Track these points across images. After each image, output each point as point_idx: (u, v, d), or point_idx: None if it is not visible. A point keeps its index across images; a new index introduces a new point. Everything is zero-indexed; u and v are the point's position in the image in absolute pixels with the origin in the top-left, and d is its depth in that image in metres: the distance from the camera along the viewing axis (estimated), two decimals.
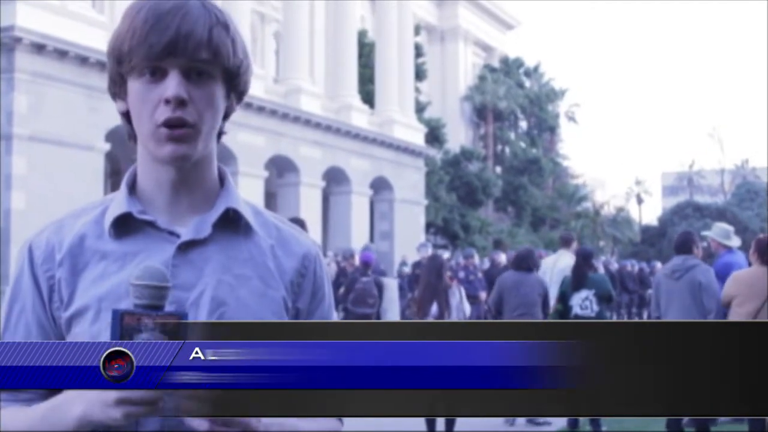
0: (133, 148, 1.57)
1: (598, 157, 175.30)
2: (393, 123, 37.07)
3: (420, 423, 9.18)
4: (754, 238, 8.28)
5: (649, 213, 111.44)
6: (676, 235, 8.86)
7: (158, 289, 1.38)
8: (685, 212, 56.51)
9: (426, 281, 9.07)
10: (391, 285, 12.65)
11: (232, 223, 1.60)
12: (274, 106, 29.59)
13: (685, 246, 8.50)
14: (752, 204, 58.04)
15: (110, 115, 23.57)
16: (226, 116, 1.62)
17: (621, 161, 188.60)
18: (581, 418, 9.87)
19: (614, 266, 26.33)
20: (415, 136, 39.01)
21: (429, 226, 41.89)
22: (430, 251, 19.52)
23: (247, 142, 27.45)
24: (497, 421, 9.85)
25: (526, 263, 10.16)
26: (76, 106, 22.81)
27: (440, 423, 9.12)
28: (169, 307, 1.40)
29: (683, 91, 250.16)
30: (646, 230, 59.96)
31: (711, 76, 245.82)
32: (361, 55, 37.79)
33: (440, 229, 44.10)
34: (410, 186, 38.30)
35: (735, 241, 10.10)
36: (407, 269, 25.62)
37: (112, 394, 1.31)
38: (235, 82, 1.58)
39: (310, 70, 34.47)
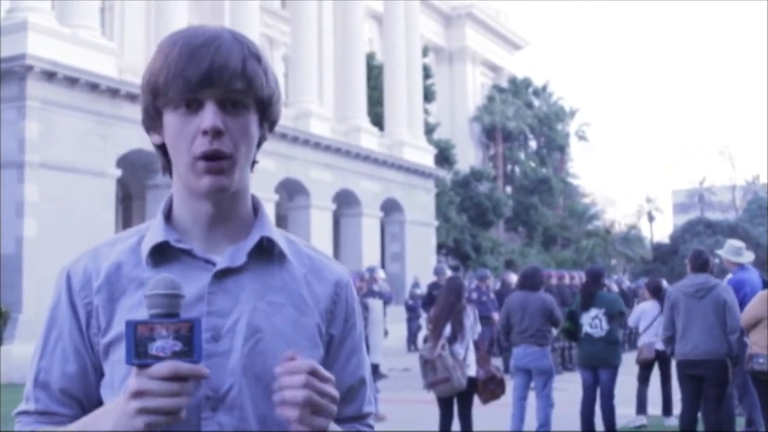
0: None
1: (609, 176, 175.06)
2: (402, 145, 37.13)
3: (434, 424, 9.15)
4: (766, 253, 8.25)
5: (661, 230, 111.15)
6: (692, 252, 8.79)
7: (171, 297, 1.39)
8: (697, 229, 56.40)
9: (445, 301, 9.05)
10: (376, 306, 12.68)
11: (266, 251, 1.63)
12: (283, 130, 29.67)
13: (705, 264, 8.48)
14: (764, 220, 57.81)
15: (121, 141, 23.74)
16: (258, 145, 1.66)
17: (631, 179, 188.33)
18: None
19: (626, 284, 26.19)
20: (425, 158, 39.06)
21: (440, 247, 41.87)
22: (448, 273, 19.56)
23: (257, 165, 27.51)
24: (507, 423, 9.82)
25: (531, 282, 10.13)
26: (87, 133, 22.92)
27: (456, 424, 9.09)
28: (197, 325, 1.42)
29: (693, 108, 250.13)
30: (657, 248, 59.90)
31: (721, 93, 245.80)
32: (369, 78, 37.91)
33: (451, 249, 44.07)
34: (421, 207, 38.31)
35: (747, 257, 10.06)
36: (419, 291, 25.62)
37: (133, 404, 1.35)
38: (267, 111, 1.61)
39: (319, 93, 34.59)
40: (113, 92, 23.67)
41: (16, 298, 20.55)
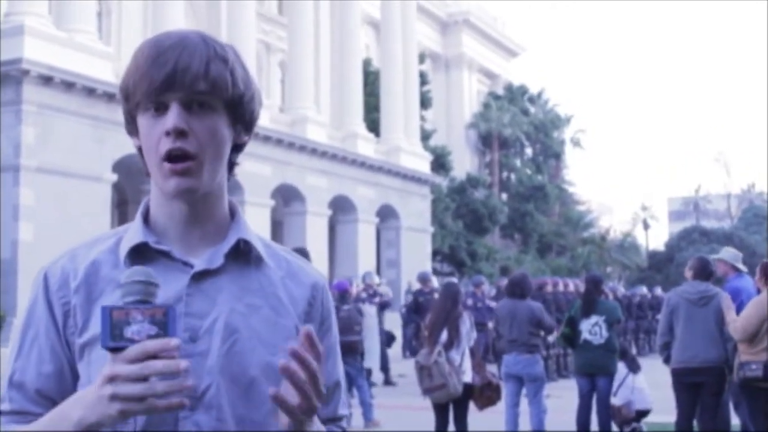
0: (144, 180, 1.60)
1: (604, 183, 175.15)
2: (399, 151, 37.15)
3: (430, 427, 9.15)
4: (761, 262, 8.25)
5: (656, 238, 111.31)
6: (695, 260, 8.78)
7: (146, 284, 1.40)
8: (692, 237, 56.45)
9: (441, 308, 9.04)
10: (371, 312, 12.70)
11: (243, 254, 1.64)
12: (279, 135, 29.68)
13: (706, 271, 8.48)
14: (759, 228, 57.92)
15: (117, 146, 23.70)
16: (238, 148, 1.67)
17: (627, 186, 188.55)
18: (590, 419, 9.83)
19: (621, 292, 26.22)
20: (421, 164, 39.08)
21: (435, 253, 41.86)
22: (434, 279, 19.54)
23: (253, 171, 27.49)
24: (501, 429, 9.82)
25: (520, 289, 10.13)
26: (83, 138, 22.91)
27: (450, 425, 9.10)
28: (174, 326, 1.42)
29: (689, 116, 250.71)
30: (653, 255, 59.93)
31: (717, 100, 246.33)
32: (366, 84, 37.93)
33: (447, 256, 44.06)
34: (416, 214, 38.32)
35: (741, 268, 10.08)
36: (410, 297, 25.57)
37: (107, 389, 1.35)
38: (238, 112, 1.62)
39: (315, 99, 34.59)
40: (110, 97, 23.64)
41: (12, 302, 20.52)
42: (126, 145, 24.39)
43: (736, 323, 7.85)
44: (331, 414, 1.72)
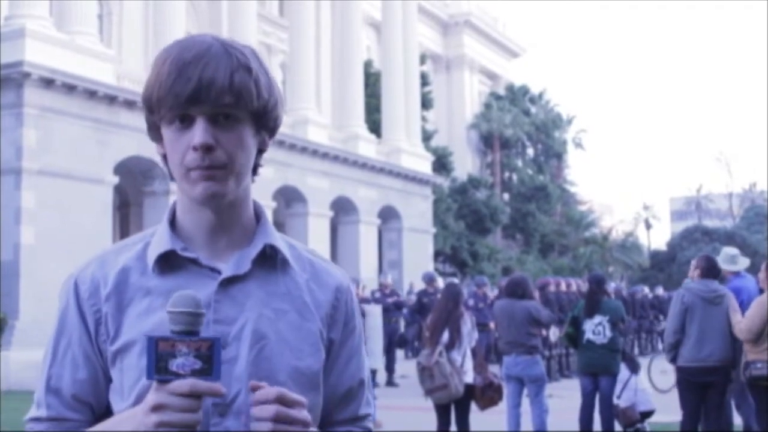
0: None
1: (606, 183, 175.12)
2: (400, 152, 37.16)
3: (432, 428, 9.15)
4: (763, 261, 8.23)
5: (658, 238, 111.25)
6: (701, 258, 8.74)
7: (192, 315, 1.41)
8: (694, 236, 56.42)
9: (442, 308, 9.03)
10: (375, 312, 12.68)
11: (269, 259, 1.65)
12: (281, 137, 29.67)
13: (714, 270, 8.46)
14: (761, 227, 57.86)
15: (118, 148, 23.73)
16: (261, 151, 1.68)
17: (628, 186, 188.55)
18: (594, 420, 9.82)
19: (624, 291, 26.19)
20: (423, 165, 39.09)
21: (437, 254, 41.87)
22: (438, 280, 19.52)
23: (260, 169, 27.49)
24: (503, 430, 9.82)
25: (520, 289, 10.11)
26: (84, 140, 22.92)
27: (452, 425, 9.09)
28: (204, 334, 1.44)
29: (690, 116, 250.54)
30: (655, 255, 59.87)
31: (718, 100, 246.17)
32: (367, 85, 37.95)
33: (449, 257, 44.07)
34: (418, 214, 38.32)
35: (742, 264, 10.05)
36: (414, 297, 25.59)
37: (152, 417, 1.38)
38: (263, 120, 1.62)
39: (316, 100, 34.62)
40: (111, 99, 23.68)
41: (13, 305, 20.52)
42: (127, 148, 24.47)
43: (741, 324, 7.85)
44: (352, 414, 1.73)
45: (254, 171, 1.68)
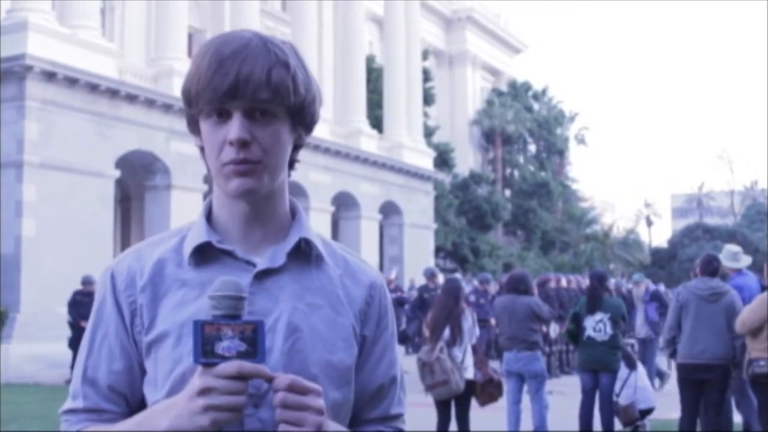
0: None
1: (607, 180, 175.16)
2: (402, 148, 37.15)
3: (432, 427, 9.15)
4: (764, 259, 8.25)
5: (659, 235, 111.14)
6: (703, 257, 8.77)
7: (235, 299, 1.44)
8: (695, 234, 56.43)
9: (443, 304, 9.03)
10: None
11: (304, 253, 1.68)
12: None
13: (710, 267, 8.48)
14: (762, 225, 57.86)
15: (120, 142, 23.72)
16: (298, 147, 1.70)
17: (630, 183, 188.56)
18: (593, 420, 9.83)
19: (625, 288, 26.15)
20: (424, 161, 39.07)
21: (438, 250, 41.86)
22: (439, 275, 19.52)
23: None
24: (503, 426, 9.82)
25: (523, 285, 10.11)
26: (86, 134, 22.91)
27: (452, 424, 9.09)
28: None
29: (692, 113, 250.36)
30: (656, 252, 59.92)
31: (720, 97, 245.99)
32: (369, 81, 37.93)
33: (450, 253, 44.07)
34: (419, 210, 38.31)
35: (744, 261, 10.06)
36: (415, 293, 25.59)
37: (199, 402, 1.40)
38: (300, 116, 1.64)
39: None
40: (113, 93, 23.66)
41: (14, 298, 20.53)
42: (129, 142, 24.46)
43: (739, 317, 7.89)
44: (383, 413, 1.73)
45: (291, 166, 1.71)
